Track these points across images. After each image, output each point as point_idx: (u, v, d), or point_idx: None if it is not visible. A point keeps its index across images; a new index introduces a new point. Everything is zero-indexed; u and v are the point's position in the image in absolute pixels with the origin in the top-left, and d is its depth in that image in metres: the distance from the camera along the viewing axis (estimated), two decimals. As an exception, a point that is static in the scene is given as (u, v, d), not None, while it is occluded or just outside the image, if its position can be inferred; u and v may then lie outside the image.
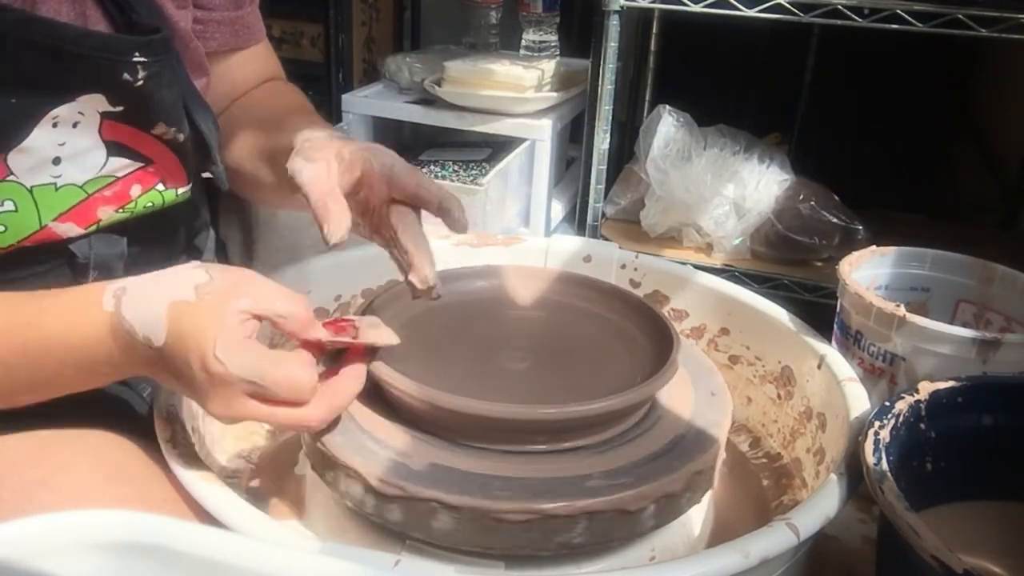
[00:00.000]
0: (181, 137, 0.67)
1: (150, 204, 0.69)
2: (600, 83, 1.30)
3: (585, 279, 0.79)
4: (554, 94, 1.55)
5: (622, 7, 1.25)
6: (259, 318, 0.54)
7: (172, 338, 0.52)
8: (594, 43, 1.29)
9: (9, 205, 0.61)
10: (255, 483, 0.75)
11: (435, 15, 1.96)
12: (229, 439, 0.77)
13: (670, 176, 1.38)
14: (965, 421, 0.65)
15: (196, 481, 0.56)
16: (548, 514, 0.56)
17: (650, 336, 0.71)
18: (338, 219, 0.59)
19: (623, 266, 0.90)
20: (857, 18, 1.15)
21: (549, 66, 1.56)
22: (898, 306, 0.75)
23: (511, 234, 1.23)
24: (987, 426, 0.65)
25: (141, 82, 0.62)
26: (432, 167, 1.63)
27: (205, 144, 0.71)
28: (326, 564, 0.43)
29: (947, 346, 0.73)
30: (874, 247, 0.89)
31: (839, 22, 1.16)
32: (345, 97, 1.65)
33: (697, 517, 0.69)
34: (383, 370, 0.61)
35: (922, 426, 0.63)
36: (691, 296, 0.88)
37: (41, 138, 0.60)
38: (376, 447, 0.60)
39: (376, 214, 0.65)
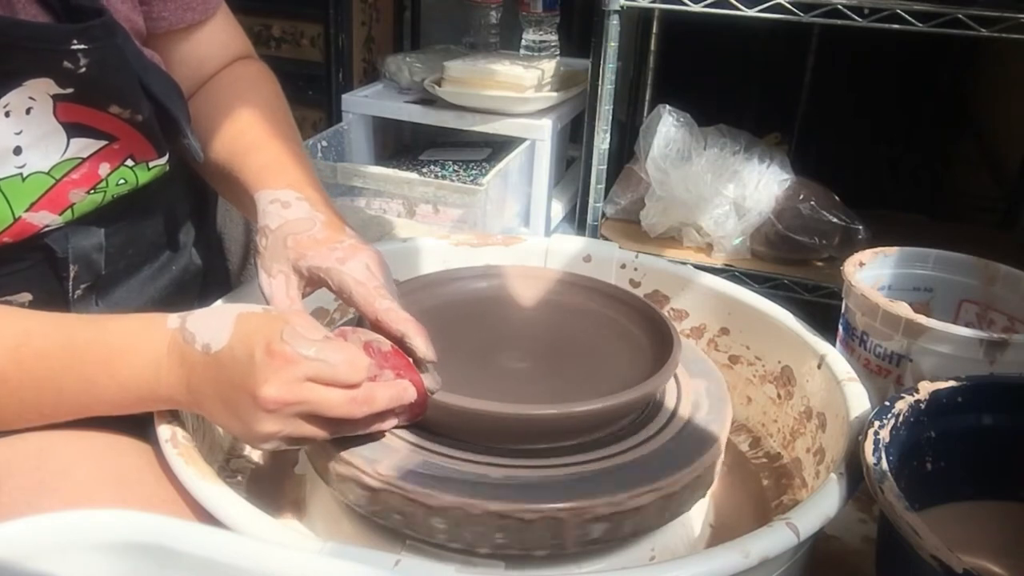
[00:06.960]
0: (139, 118, 0.65)
1: (123, 181, 0.67)
2: (600, 83, 1.30)
3: (585, 279, 0.79)
4: (554, 94, 1.55)
5: (622, 7, 1.25)
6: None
7: (236, 339, 0.55)
8: (594, 43, 1.29)
9: None
10: (255, 483, 0.75)
11: (435, 15, 1.96)
12: (229, 438, 0.77)
13: (670, 176, 1.38)
14: (965, 421, 0.65)
15: (196, 481, 0.56)
16: (547, 514, 0.56)
17: (650, 336, 0.71)
18: None
19: (623, 266, 0.90)
20: (857, 18, 1.15)
21: (549, 66, 1.56)
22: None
23: (511, 234, 1.23)
24: (987, 426, 0.65)
25: (84, 69, 0.60)
26: (432, 167, 1.63)
27: (172, 118, 0.69)
28: (326, 564, 0.43)
29: (954, 347, 0.73)
30: (878, 248, 0.89)
31: (839, 22, 1.16)
32: (345, 97, 1.65)
33: (697, 517, 0.69)
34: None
35: (922, 426, 0.63)
36: (691, 296, 0.88)
37: None
38: (377, 446, 0.60)
39: None
